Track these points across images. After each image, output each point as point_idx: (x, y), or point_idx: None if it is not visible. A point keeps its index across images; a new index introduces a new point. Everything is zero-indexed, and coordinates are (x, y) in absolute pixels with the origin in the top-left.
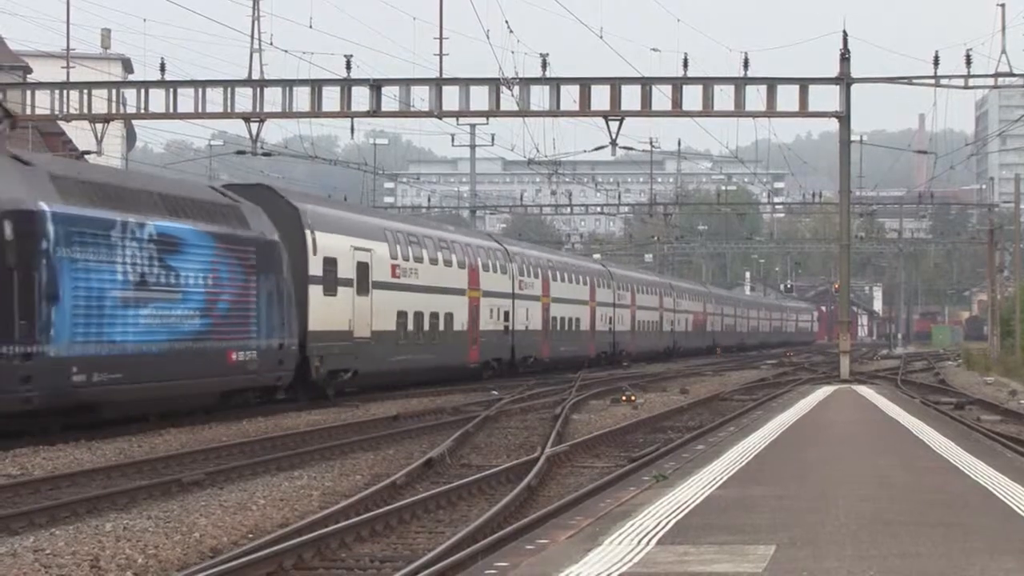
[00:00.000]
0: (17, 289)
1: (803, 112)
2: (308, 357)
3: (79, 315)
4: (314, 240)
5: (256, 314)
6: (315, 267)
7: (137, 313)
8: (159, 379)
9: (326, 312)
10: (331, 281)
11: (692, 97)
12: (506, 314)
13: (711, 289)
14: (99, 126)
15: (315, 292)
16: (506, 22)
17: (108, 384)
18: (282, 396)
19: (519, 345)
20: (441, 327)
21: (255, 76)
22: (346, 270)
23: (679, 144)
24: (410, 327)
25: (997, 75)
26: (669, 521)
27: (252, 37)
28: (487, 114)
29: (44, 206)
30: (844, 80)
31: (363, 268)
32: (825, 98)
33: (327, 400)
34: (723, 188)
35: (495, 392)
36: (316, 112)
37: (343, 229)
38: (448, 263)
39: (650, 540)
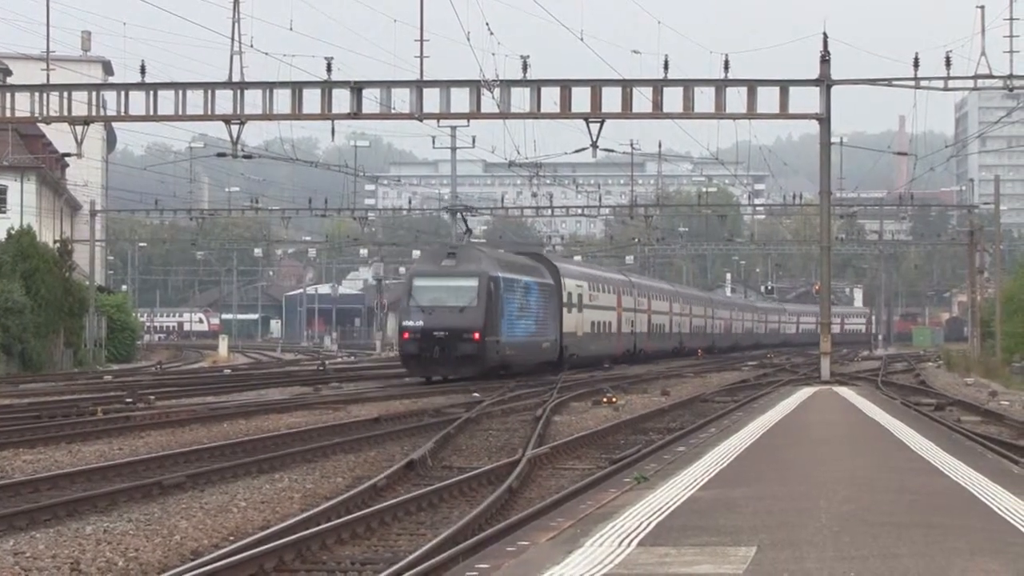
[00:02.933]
0: (496, 312)
1: (783, 114)
2: (562, 346)
3: (508, 323)
4: (563, 282)
5: (547, 322)
6: (564, 297)
7: (519, 323)
8: (525, 355)
9: (568, 322)
10: (570, 304)
11: (673, 99)
12: (632, 322)
13: (733, 298)
14: (79, 128)
15: (565, 311)
16: (487, 24)
17: (512, 355)
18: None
19: (636, 342)
20: (606, 330)
21: (235, 78)
22: (574, 298)
23: (660, 146)
24: (595, 330)
25: (977, 77)
26: (650, 523)
27: (232, 39)
28: (468, 116)
29: (499, 274)
30: (824, 82)
31: (579, 296)
32: (805, 100)
33: (566, 370)
34: (704, 190)
35: (476, 394)
36: (297, 114)
37: (572, 275)
38: (608, 291)
39: (631, 542)
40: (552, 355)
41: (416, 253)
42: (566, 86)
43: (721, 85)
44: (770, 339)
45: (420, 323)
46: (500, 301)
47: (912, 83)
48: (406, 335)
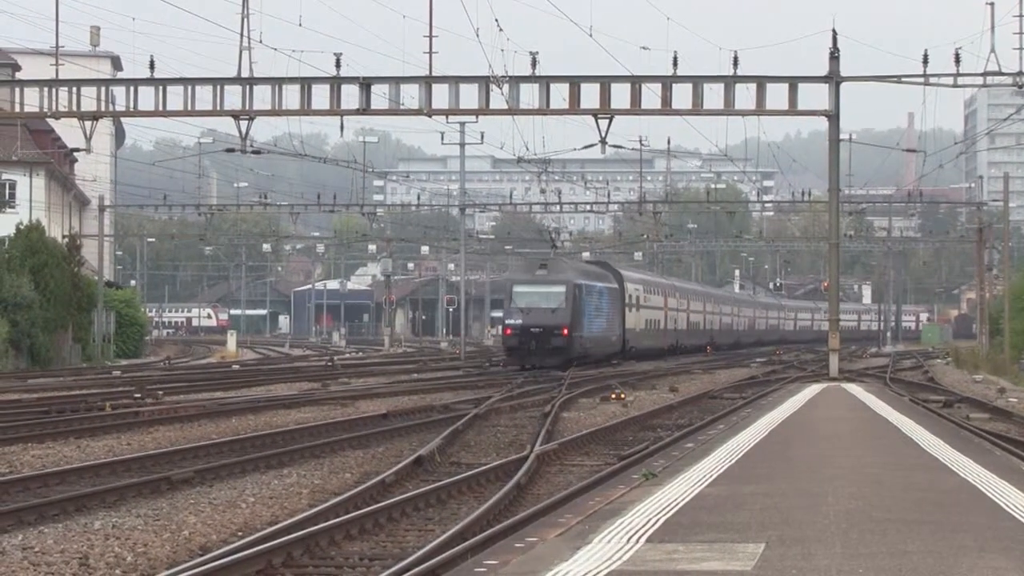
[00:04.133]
0: (579, 312)
1: (792, 111)
2: (624, 340)
3: (587, 321)
4: (625, 286)
5: (614, 320)
6: (626, 299)
7: (595, 320)
8: (599, 347)
9: (629, 319)
10: (630, 305)
11: (682, 95)
12: (675, 320)
13: (759, 298)
14: (88, 123)
15: (627, 310)
16: (496, 20)
17: (590, 347)
18: (616, 360)
19: (678, 338)
20: (656, 327)
21: (244, 74)
22: (633, 299)
23: (668, 142)
24: (648, 327)
25: (986, 74)
26: (658, 519)
27: (241, 35)
28: (477, 112)
29: (581, 281)
30: (833, 78)
31: (636, 298)
32: (814, 97)
33: (630, 360)
34: (712, 186)
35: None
36: (306, 110)
37: (632, 280)
38: (657, 293)
39: (639, 538)
40: (617, 347)
41: (425, 249)
42: (575, 82)
43: (730, 81)
44: (801, 336)
45: (519, 321)
46: (582, 303)
47: (921, 80)
48: (508, 331)
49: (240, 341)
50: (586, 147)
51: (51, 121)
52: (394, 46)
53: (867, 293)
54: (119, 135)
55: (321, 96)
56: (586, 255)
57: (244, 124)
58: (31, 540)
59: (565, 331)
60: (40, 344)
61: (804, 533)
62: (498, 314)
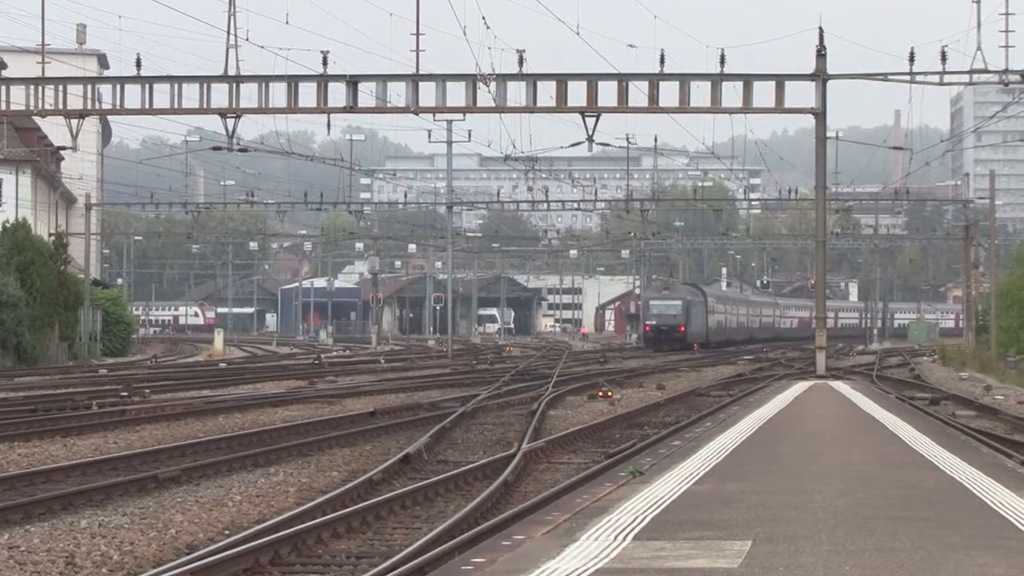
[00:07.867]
0: (689, 316)
1: (779, 108)
2: (707, 334)
3: (693, 321)
4: (707, 298)
5: (702, 320)
6: (708, 306)
7: (695, 320)
8: (696, 338)
9: (709, 320)
10: (710, 311)
11: (669, 93)
12: (731, 320)
13: (788, 300)
14: (74, 121)
15: (708, 313)
16: (483, 18)
17: (692, 338)
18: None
19: (732, 334)
20: (721, 325)
21: (231, 72)
22: (711, 307)
23: (655, 140)
24: (718, 325)
25: (972, 72)
26: (646, 517)
27: (228, 33)
28: (464, 110)
29: (688, 297)
30: (820, 76)
31: (712, 306)
32: (801, 94)
33: (709, 348)
34: (699, 184)
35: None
36: (292, 108)
37: (710, 295)
38: (723, 303)
39: (626, 536)
40: (704, 338)
41: (412, 247)
42: (562, 80)
43: (717, 79)
44: (842, 332)
45: (654, 322)
46: (689, 311)
47: (908, 78)
48: (647, 328)
49: (227, 339)
50: (573, 145)
51: (37, 119)
52: (381, 44)
53: (854, 291)
54: (106, 133)
55: (308, 94)
56: (573, 253)
57: (231, 122)
58: (17, 539)
59: (682, 328)
60: (27, 342)
61: (791, 530)
62: (485, 312)
